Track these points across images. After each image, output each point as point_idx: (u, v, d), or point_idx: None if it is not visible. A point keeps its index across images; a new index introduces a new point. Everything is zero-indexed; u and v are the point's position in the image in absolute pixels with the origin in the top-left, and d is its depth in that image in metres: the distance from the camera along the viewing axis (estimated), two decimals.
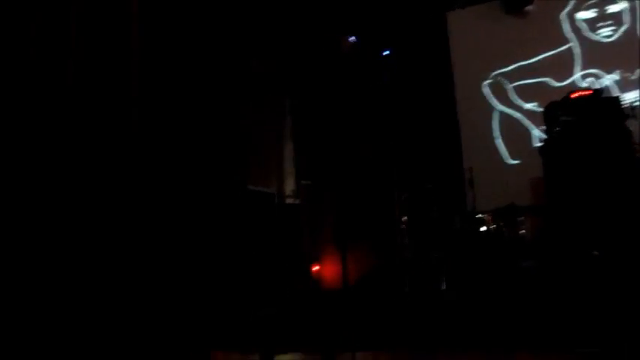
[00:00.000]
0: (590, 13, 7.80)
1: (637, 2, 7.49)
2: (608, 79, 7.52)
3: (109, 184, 4.77)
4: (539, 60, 7.96)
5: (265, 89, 8.25)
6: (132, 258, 4.79)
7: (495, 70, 8.21)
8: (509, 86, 8.10)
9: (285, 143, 8.76)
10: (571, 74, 7.77)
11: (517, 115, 8.01)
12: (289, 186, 8.58)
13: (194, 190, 5.68)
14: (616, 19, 7.63)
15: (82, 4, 4.75)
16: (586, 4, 7.83)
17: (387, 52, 7.83)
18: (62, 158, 4.51)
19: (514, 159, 7.94)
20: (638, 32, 7.42)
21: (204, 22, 6.13)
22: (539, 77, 7.89)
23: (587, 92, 6.14)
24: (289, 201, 8.40)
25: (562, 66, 7.80)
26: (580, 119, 5.76)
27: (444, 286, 6.14)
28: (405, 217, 7.07)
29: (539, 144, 7.41)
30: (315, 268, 8.35)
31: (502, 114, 8.12)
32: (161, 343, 4.55)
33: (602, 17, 7.72)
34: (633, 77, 7.14)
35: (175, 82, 5.69)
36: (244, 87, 7.20)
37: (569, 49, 7.84)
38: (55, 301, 4.10)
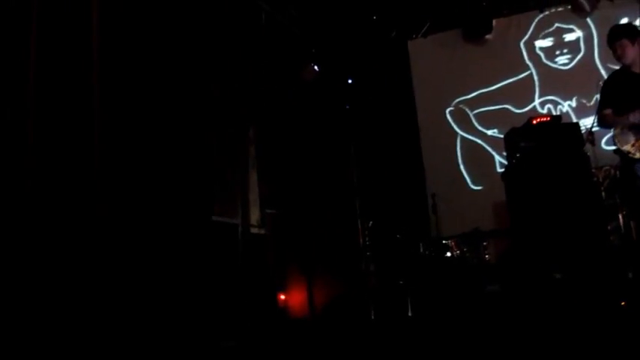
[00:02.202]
0: (547, 42, 8.00)
1: (592, 30, 7.71)
2: (566, 106, 7.70)
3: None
4: (499, 87, 8.13)
5: (228, 117, 8.22)
6: (85, 288, 4.71)
7: (457, 97, 8.33)
8: (471, 113, 8.23)
9: (250, 172, 8.72)
10: (531, 101, 7.95)
11: (479, 141, 8.13)
12: (254, 215, 8.51)
13: (155, 223, 5.62)
14: (572, 47, 7.85)
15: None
16: (543, 32, 8.03)
17: (350, 81, 7.92)
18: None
19: (477, 184, 8.05)
20: (596, 60, 7.63)
21: (161, 43, 6.11)
22: (499, 104, 8.04)
23: (546, 118, 6.28)
24: (254, 231, 8.33)
25: (522, 93, 7.97)
26: (540, 145, 5.86)
27: (410, 313, 6.13)
28: (370, 245, 7.08)
29: (500, 169, 7.55)
30: (282, 297, 8.29)
31: (465, 140, 8.24)
32: None
33: (560, 45, 7.94)
34: (590, 104, 7.31)
35: (133, 108, 5.65)
36: (206, 114, 7.17)
37: (529, 77, 8.02)
38: None
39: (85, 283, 4.59)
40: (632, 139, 4.89)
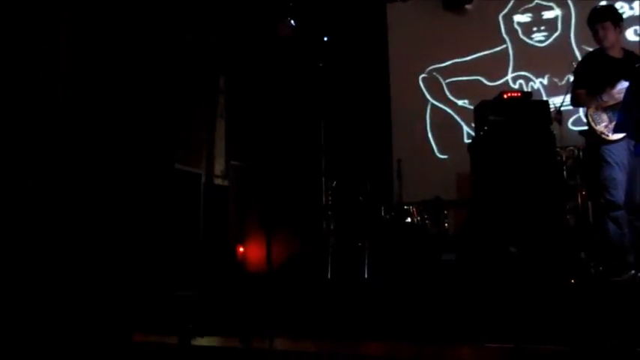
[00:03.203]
0: (526, 17, 7.99)
1: (571, 10, 7.73)
2: (538, 83, 7.76)
3: (26, 159, 4.62)
4: (474, 58, 8.10)
5: (199, 65, 8.10)
6: (48, 238, 4.67)
7: (431, 64, 8.29)
8: (444, 82, 8.23)
9: (217, 123, 8.65)
10: (503, 75, 7.95)
11: (449, 110, 8.15)
12: (219, 166, 8.48)
13: (117, 166, 5.56)
14: (550, 25, 7.85)
15: None
16: (523, 7, 8.01)
17: (326, 38, 7.83)
18: None
19: (443, 154, 8.09)
20: (571, 40, 7.67)
21: None
22: (472, 75, 8.03)
23: (517, 94, 6.32)
24: (218, 182, 8.31)
25: (495, 66, 7.97)
26: (508, 119, 5.91)
27: (366, 275, 6.21)
28: (332, 204, 7.10)
29: (468, 140, 7.61)
30: (240, 249, 8.32)
31: (435, 108, 8.24)
32: (79, 325, 4.45)
33: (537, 22, 7.92)
34: (561, 83, 7.38)
35: (103, 51, 5.53)
36: (177, 61, 7.05)
37: (504, 51, 8.02)
38: None
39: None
40: (605, 119, 4.97)
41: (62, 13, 5.09)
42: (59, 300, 4.62)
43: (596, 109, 5.04)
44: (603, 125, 4.97)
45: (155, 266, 5.81)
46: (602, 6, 5.81)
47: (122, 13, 5.78)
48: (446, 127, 8.11)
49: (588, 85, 5.13)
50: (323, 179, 7.08)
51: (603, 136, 4.97)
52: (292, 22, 7.87)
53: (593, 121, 5.04)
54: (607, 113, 4.97)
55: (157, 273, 5.82)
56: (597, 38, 5.18)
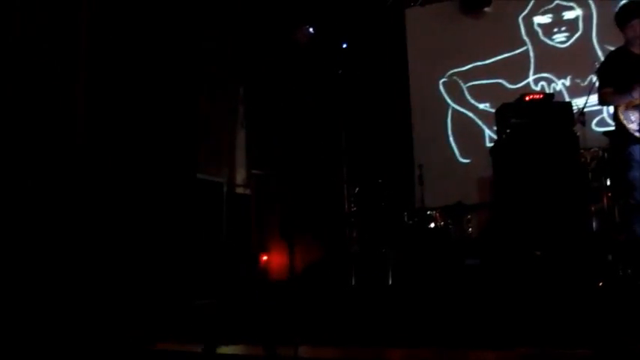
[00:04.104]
0: (546, 18, 7.94)
1: (592, 10, 7.68)
2: (560, 84, 7.70)
3: (45, 168, 4.68)
4: (494, 61, 8.08)
5: (219, 75, 8.16)
6: (70, 248, 4.72)
7: (451, 68, 8.29)
8: (464, 86, 8.21)
9: (238, 132, 8.69)
10: (524, 77, 7.91)
11: (470, 114, 8.12)
12: (240, 175, 8.52)
13: (140, 176, 5.60)
14: (571, 25, 7.80)
15: None
16: (543, 9, 7.96)
17: (344, 45, 7.86)
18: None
19: (465, 158, 8.06)
20: (593, 40, 7.61)
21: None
22: (493, 78, 8.00)
23: (539, 96, 6.28)
24: (239, 190, 8.35)
25: (516, 68, 7.93)
26: (531, 122, 5.86)
27: (390, 281, 6.20)
28: (355, 211, 7.11)
29: (490, 144, 7.57)
30: (264, 258, 8.35)
31: (456, 112, 8.22)
32: (101, 334, 4.48)
33: (558, 23, 7.87)
34: (583, 84, 7.32)
35: (123, 62, 5.58)
36: (197, 71, 7.11)
37: (525, 53, 7.98)
38: None
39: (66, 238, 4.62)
40: (637, 117, 4.90)
41: (81, 14, 5.16)
42: (77, 307, 4.67)
43: (626, 107, 4.98)
44: (635, 124, 4.90)
45: (178, 275, 5.84)
46: (633, 2, 5.70)
47: (140, 20, 5.84)
48: (467, 131, 8.09)
49: (615, 83, 5.06)
50: (345, 186, 7.10)
51: (637, 134, 4.89)
52: (310, 29, 7.91)
53: (625, 119, 4.97)
54: (638, 111, 4.90)
55: (181, 282, 5.85)
56: (629, 35, 5.10)
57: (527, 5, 8.04)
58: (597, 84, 5.29)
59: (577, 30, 7.76)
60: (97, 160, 5.32)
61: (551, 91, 7.58)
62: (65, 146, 4.98)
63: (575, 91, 7.44)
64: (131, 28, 5.73)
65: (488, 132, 7.90)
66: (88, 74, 5.26)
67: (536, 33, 7.96)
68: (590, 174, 5.99)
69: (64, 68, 4.98)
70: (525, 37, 8.01)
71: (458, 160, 8.11)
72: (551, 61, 7.82)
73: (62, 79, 4.97)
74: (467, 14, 8.29)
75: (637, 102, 4.91)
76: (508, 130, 5.96)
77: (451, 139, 8.19)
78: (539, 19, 7.97)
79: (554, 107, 6.05)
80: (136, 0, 5.77)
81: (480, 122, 8.04)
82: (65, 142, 4.98)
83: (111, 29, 5.46)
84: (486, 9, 8.11)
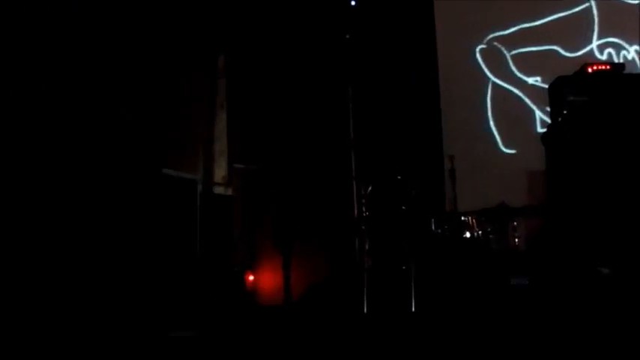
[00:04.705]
0: None
1: None
2: (632, 51, 7.67)
3: None
4: (546, 22, 8.06)
5: (192, 39, 8.12)
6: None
7: (490, 33, 8.28)
8: (508, 54, 8.19)
9: (217, 114, 8.66)
10: (586, 42, 7.92)
11: (516, 91, 8.11)
12: (219, 170, 8.50)
13: (91, 174, 5.59)
14: None
15: None
16: None
17: (353, 2, 7.84)
18: None
19: (509, 147, 8.05)
20: None
21: None
22: (545, 44, 8.00)
23: (605, 66, 6.26)
24: (218, 190, 8.33)
25: (575, 32, 7.94)
26: (595, 100, 5.86)
27: (413, 307, 6.17)
28: (367, 216, 7.08)
29: (542, 129, 7.53)
30: (250, 277, 8.33)
31: (497, 89, 8.22)
32: None
33: None
34: None
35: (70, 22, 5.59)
36: (160, 35, 7.08)
37: (586, 11, 7.96)
38: None
39: None
40: None
41: None
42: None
43: None
44: None
45: (143, 300, 5.82)
46: None
47: None
48: (512, 113, 8.09)
49: None
50: (354, 183, 7.07)
51: None
52: None
53: None
54: None
55: (147, 308, 5.83)
56: None
57: None
58: None
59: None
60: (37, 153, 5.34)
61: (621, 60, 7.58)
62: None
63: None
64: None
65: (539, 114, 7.89)
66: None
67: None
68: None
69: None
70: None
71: (500, 150, 8.10)
72: (621, 22, 7.81)
73: None
74: None
75: None
76: (565, 112, 5.97)
77: (491, 122, 8.18)
78: None
79: (624, 81, 6.06)
80: None
81: (528, 101, 8.02)
82: None
83: None
84: None
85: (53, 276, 5.18)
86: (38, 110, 5.41)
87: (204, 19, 8.30)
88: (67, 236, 5.39)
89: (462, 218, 7.09)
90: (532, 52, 8.07)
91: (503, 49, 8.22)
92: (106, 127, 5.98)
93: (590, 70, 6.09)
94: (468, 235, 6.92)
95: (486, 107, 8.22)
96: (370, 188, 7.05)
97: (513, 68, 8.16)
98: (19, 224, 5.04)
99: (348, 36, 7.61)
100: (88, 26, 5.92)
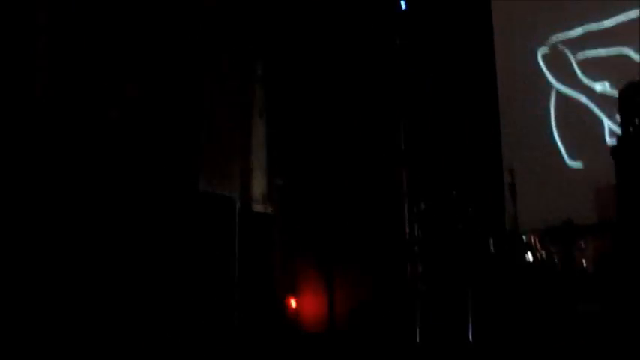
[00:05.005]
0: None
1: None
2: None
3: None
4: (615, 23, 8.03)
5: (227, 46, 8.19)
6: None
7: (554, 34, 8.29)
8: (573, 58, 8.19)
9: (255, 126, 8.71)
10: None
11: (583, 98, 8.09)
12: (259, 187, 8.53)
13: (124, 192, 5.69)
14: None
15: None
16: None
17: (403, 5, 7.89)
18: None
19: (575, 160, 8.05)
20: None
21: None
22: (614, 47, 7.96)
23: None
24: (258, 208, 8.36)
25: None
26: None
27: (470, 336, 6.21)
28: (420, 236, 7.14)
29: (611, 140, 7.55)
30: (292, 302, 8.37)
31: (562, 96, 8.22)
32: None
33: None
34: None
35: (99, 33, 5.73)
36: (196, 42, 7.17)
37: None
38: None
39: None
40: None
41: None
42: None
43: None
44: None
45: (177, 325, 5.93)
46: None
47: None
48: (578, 123, 8.08)
49: None
50: (405, 201, 7.10)
51: None
52: None
53: None
54: None
55: (182, 334, 5.94)
56: None
57: None
58: None
59: None
60: (65, 169, 5.48)
61: None
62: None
63: None
64: None
65: (608, 123, 7.86)
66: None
67: None
68: None
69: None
70: None
71: (566, 162, 8.10)
72: None
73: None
74: None
75: None
76: (637, 121, 5.95)
77: (555, 133, 8.19)
78: None
79: None
80: None
81: (596, 109, 8.01)
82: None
83: None
84: None
85: (86, 296, 5.31)
86: (73, 128, 5.55)
87: (240, 23, 8.37)
88: (97, 257, 5.51)
89: (524, 238, 7.10)
90: (600, 55, 8.06)
91: (567, 52, 8.23)
92: (137, 140, 6.07)
93: None
94: (530, 256, 6.92)
95: (549, 116, 8.24)
96: (423, 206, 7.10)
97: (579, 73, 8.15)
98: (62, 241, 5.19)
99: (398, 42, 7.65)
100: (121, 38, 6.05)
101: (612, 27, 8.07)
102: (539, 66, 8.36)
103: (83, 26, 5.77)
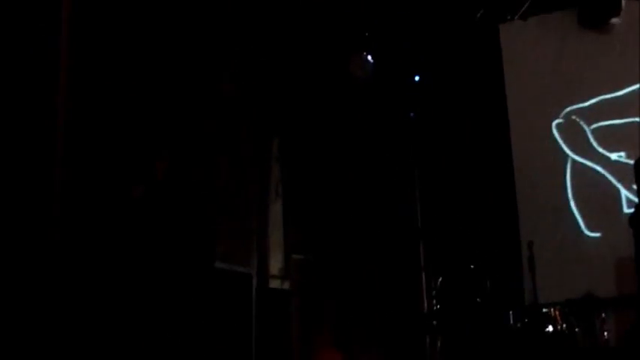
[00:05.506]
0: None
1: None
2: None
3: None
4: (629, 92, 8.07)
5: (243, 124, 8.27)
6: None
7: (568, 105, 8.32)
8: (588, 128, 8.20)
9: (272, 202, 8.76)
10: None
11: (599, 168, 8.09)
12: (276, 262, 8.53)
13: (138, 270, 5.69)
14: None
15: None
16: None
17: (417, 78, 7.96)
18: None
19: (593, 230, 7.99)
20: None
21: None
22: (628, 117, 7.98)
23: None
24: (275, 284, 8.36)
25: None
26: None
27: None
28: (438, 310, 7.10)
29: (629, 210, 7.51)
30: None
31: (578, 166, 8.21)
32: None
33: None
34: None
35: (114, 109, 5.81)
36: (212, 121, 7.25)
37: None
38: None
39: None
40: None
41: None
42: None
43: None
44: None
45: None
46: None
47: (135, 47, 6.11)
48: (596, 193, 8.05)
49: None
50: (423, 275, 7.08)
51: None
52: (369, 57, 8.05)
53: None
54: None
55: None
56: None
57: None
58: None
59: None
60: (78, 246, 5.51)
61: None
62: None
63: None
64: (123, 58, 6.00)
65: (625, 192, 7.84)
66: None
67: None
68: None
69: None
70: None
71: (584, 233, 8.04)
72: None
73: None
74: (587, 28, 8.34)
75: None
76: None
77: (572, 204, 8.16)
78: None
79: None
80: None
81: (612, 179, 7.99)
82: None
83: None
84: (614, 20, 8.13)
85: None
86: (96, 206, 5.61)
87: (258, 101, 8.47)
88: (114, 335, 5.49)
89: (544, 311, 7.04)
90: (614, 125, 8.07)
91: (582, 122, 8.24)
92: (157, 217, 6.09)
93: None
94: (550, 329, 6.86)
95: (566, 187, 8.21)
96: (440, 279, 7.08)
97: (594, 143, 8.15)
98: (81, 320, 5.20)
99: (412, 114, 7.71)
100: (139, 118, 6.14)
101: (625, 96, 8.10)
102: (554, 136, 8.36)
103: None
